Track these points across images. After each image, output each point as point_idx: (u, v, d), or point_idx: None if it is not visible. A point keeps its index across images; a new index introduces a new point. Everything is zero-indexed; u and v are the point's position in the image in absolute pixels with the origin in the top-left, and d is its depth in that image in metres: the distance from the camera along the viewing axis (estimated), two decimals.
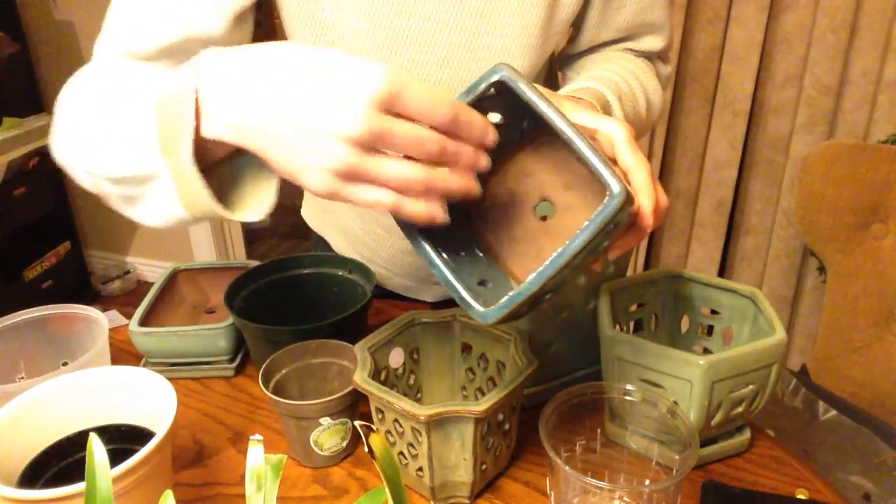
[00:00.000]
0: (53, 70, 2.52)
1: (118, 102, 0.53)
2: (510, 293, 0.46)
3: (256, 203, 0.51)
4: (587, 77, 0.70)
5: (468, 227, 0.55)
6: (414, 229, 0.50)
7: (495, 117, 0.51)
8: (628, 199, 0.45)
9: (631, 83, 0.72)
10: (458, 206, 0.50)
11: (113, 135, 0.52)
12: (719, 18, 1.71)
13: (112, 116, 0.53)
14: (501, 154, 0.53)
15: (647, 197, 0.50)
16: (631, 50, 0.81)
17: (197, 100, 0.46)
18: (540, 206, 0.54)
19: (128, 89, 0.54)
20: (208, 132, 0.46)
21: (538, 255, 0.53)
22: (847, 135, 1.70)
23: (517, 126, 0.53)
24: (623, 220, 0.47)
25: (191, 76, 0.46)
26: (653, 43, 0.80)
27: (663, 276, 0.72)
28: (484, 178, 0.52)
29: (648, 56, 0.82)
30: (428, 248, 0.50)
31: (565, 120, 0.46)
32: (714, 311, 0.72)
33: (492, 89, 0.48)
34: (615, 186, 0.44)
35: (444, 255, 0.50)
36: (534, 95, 0.46)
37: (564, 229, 0.53)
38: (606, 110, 0.66)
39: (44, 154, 2.38)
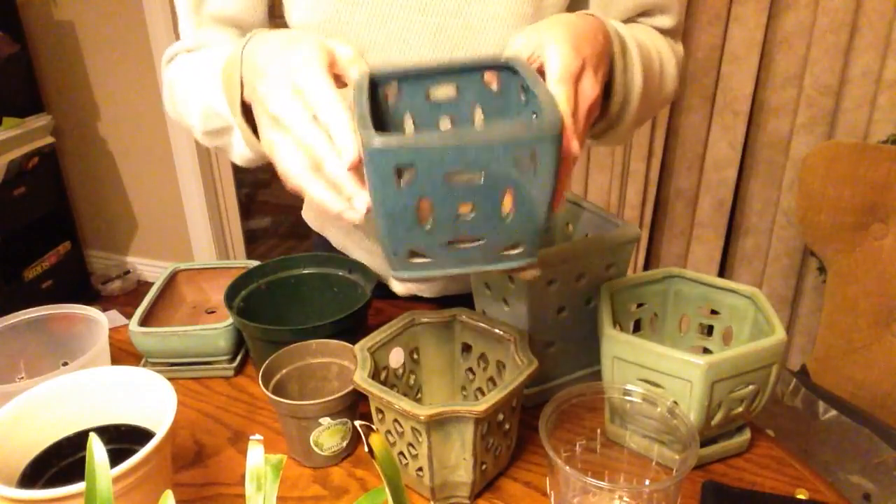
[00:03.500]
0: (53, 70, 2.52)
1: (202, 76, 0.69)
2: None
3: None
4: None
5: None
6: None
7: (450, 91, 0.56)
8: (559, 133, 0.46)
9: (644, 41, 0.70)
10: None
11: (201, 99, 0.68)
12: (719, 18, 1.71)
13: (199, 86, 0.69)
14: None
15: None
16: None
17: (241, 73, 0.59)
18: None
19: (207, 64, 0.69)
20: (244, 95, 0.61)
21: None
22: (847, 135, 1.70)
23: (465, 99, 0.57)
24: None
25: (238, 55, 0.60)
26: (662, 22, 0.78)
27: (663, 276, 0.72)
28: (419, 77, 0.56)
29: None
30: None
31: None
32: (714, 311, 0.72)
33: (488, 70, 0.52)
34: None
35: None
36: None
37: None
38: (622, 44, 0.65)
39: (44, 154, 2.38)
